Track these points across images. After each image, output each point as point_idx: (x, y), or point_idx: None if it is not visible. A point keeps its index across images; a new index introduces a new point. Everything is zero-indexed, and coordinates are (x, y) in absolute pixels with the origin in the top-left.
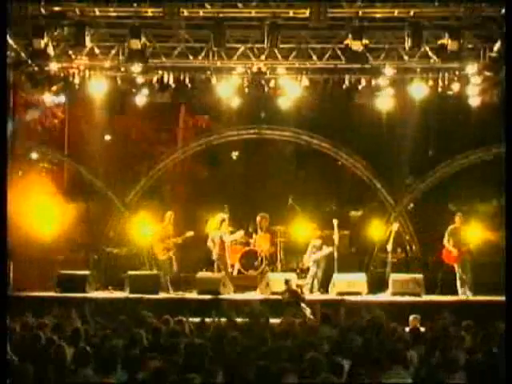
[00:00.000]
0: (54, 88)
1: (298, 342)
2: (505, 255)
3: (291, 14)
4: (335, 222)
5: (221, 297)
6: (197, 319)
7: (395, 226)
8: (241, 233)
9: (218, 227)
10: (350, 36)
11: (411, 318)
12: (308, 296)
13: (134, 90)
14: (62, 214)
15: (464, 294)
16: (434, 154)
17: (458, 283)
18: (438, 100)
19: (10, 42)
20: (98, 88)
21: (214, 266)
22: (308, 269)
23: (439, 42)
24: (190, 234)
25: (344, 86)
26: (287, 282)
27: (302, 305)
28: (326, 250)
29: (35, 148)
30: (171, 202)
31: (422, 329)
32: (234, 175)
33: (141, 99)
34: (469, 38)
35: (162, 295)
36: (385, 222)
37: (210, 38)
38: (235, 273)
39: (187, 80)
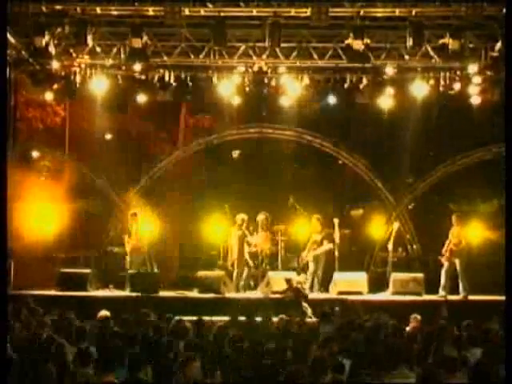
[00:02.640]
0: (55, 86)
1: (298, 341)
2: (505, 255)
3: (292, 12)
4: (336, 221)
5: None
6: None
7: (396, 226)
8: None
9: (239, 227)
10: (351, 35)
11: (411, 317)
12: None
13: (134, 89)
14: (62, 213)
15: (442, 292)
16: (434, 154)
17: (442, 280)
18: (439, 99)
19: (11, 40)
20: (99, 86)
21: (227, 263)
22: (307, 264)
23: (440, 42)
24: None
25: (345, 86)
26: (289, 280)
27: (304, 304)
28: (327, 245)
29: (36, 147)
30: (171, 201)
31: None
32: (235, 174)
33: (142, 98)
34: (470, 37)
35: (162, 294)
36: (385, 221)
37: (211, 36)
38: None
39: (188, 79)
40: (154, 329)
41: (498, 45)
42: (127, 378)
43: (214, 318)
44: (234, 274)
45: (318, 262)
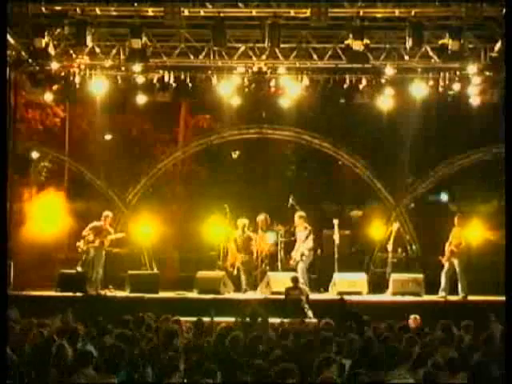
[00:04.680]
0: (55, 87)
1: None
2: (505, 255)
3: (292, 13)
4: (336, 221)
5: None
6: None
7: (395, 226)
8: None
9: (243, 230)
10: (350, 36)
11: (411, 318)
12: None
13: (134, 90)
14: (62, 213)
15: (441, 293)
16: (434, 154)
17: (442, 281)
18: (439, 100)
19: (11, 41)
20: (99, 87)
21: (227, 263)
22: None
23: (440, 42)
24: (121, 235)
25: (345, 86)
26: (295, 279)
27: (306, 305)
28: (310, 242)
29: (36, 147)
30: (171, 201)
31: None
32: (235, 175)
33: (141, 99)
34: (469, 37)
35: (162, 294)
36: (385, 221)
37: (210, 37)
38: (235, 272)
39: (188, 79)
40: (153, 329)
41: (498, 45)
42: (128, 379)
43: (214, 319)
44: (243, 276)
45: (303, 258)
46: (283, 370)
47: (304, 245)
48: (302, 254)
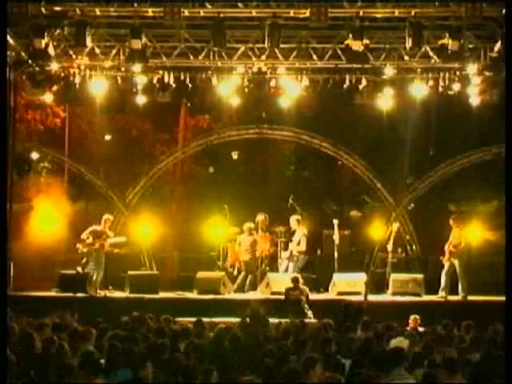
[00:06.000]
0: (55, 88)
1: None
2: (505, 255)
3: (292, 13)
4: (335, 222)
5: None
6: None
7: (395, 226)
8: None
9: (249, 234)
10: (350, 36)
11: (411, 318)
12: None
13: (134, 90)
14: (62, 214)
15: (441, 293)
16: (434, 154)
17: (442, 281)
18: (439, 100)
19: (11, 41)
20: (99, 88)
21: (227, 264)
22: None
23: (440, 42)
24: (121, 239)
25: (344, 86)
26: (296, 279)
27: (306, 306)
28: (303, 246)
29: (36, 148)
30: (171, 201)
31: (421, 329)
32: (235, 175)
33: (141, 99)
34: (469, 38)
35: (162, 295)
36: (385, 221)
37: (210, 37)
38: (235, 272)
39: (188, 80)
40: (154, 330)
41: (498, 45)
42: (128, 379)
43: (214, 319)
44: (241, 277)
45: (292, 260)
46: (291, 371)
47: (296, 247)
48: (291, 255)
